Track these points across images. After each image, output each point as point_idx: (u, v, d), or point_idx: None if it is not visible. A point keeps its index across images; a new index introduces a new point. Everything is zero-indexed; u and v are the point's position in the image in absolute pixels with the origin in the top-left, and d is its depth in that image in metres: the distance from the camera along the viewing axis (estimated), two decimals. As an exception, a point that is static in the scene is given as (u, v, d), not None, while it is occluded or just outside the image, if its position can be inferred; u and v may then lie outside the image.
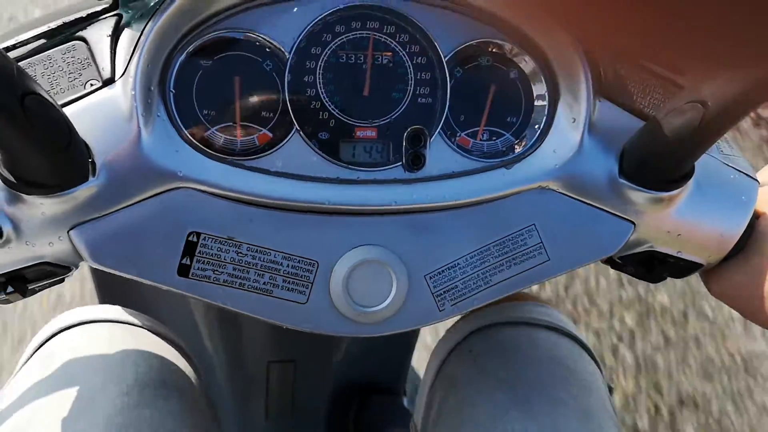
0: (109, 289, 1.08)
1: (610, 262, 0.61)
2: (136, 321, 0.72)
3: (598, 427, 0.66)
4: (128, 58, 0.49)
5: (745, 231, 0.57)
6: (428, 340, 1.54)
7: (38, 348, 0.70)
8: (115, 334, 0.69)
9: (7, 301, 0.53)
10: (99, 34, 0.51)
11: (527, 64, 0.56)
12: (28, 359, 0.69)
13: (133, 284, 0.53)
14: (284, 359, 0.96)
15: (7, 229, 0.48)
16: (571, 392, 0.68)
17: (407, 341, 1.16)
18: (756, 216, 0.58)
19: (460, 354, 0.75)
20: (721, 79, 0.47)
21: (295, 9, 0.53)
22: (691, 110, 0.48)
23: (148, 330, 0.72)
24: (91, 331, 0.70)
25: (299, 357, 0.97)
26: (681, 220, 0.56)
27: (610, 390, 0.76)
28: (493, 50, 0.56)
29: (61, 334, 0.70)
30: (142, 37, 0.49)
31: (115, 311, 0.73)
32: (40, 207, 0.48)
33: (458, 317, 0.79)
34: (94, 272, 1.11)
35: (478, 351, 0.74)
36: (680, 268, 0.60)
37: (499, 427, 0.65)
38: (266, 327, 0.53)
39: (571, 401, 0.67)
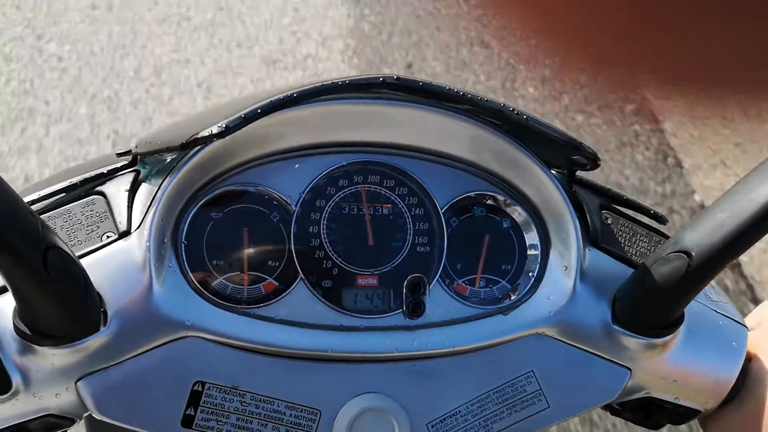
0: None
1: (608, 407, 0.61)
2: None
3: None
4: (144, 211, 0.52)
5: (739, 376, 0.58)
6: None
7: None
8: None
9: None
10: (117, 189, 0.54)
11: (519, 215, 0.59)
12: None
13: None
14: None
15: (17, 381, 0.48)
16: None
17: None
18: (749, 359, 0.59)
19: None
20: (703, 230, 0.50)
21: (297, 165, 0.57)
22: (677, 260, 0.51)
23: None
24: None
25: None
26: (675, 366, 0.57)
27: None
28: (487, 201, 0.60)
29: None
30: (159, 193, 0.52)
31: None
32: (51, 358, 0.48)
33: None
34: (89, 421, 1.08)
35: None
36: (679, 414, 0.60)
37: None
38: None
39: None
